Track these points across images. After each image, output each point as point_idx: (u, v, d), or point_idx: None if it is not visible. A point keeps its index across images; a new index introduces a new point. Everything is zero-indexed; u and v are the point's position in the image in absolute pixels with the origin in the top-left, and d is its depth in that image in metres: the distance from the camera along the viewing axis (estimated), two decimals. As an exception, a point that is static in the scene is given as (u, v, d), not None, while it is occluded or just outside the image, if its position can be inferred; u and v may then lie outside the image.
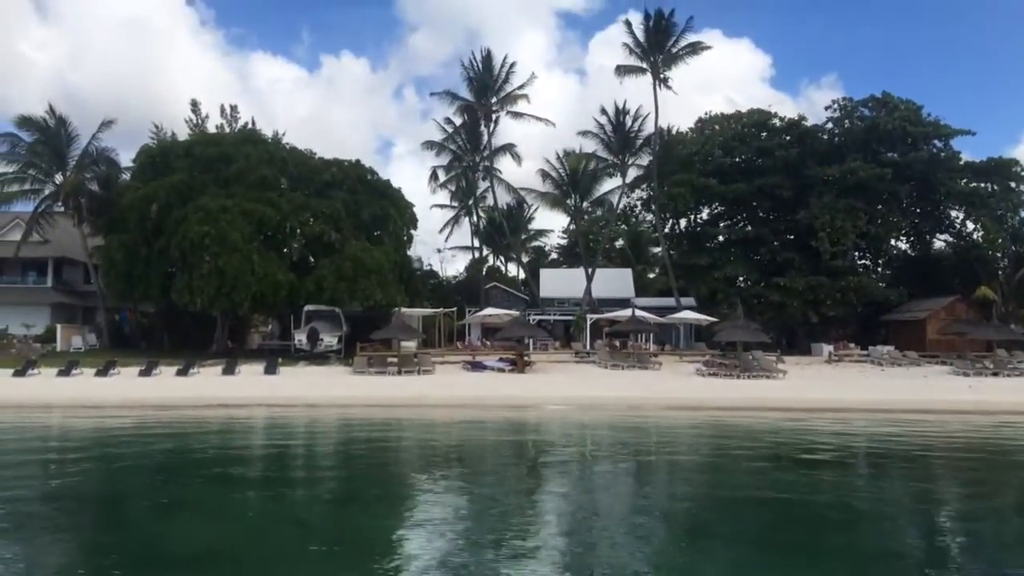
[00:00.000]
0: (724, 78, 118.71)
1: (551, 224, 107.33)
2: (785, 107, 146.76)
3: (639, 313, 44.77)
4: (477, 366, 40.52)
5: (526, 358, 41.01)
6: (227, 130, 57.19)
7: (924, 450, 21.32)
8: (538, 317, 54.14)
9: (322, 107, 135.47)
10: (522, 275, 78.32)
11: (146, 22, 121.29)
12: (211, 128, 57.55)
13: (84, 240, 49.20)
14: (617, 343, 47.75)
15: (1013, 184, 53.87)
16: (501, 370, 39.54)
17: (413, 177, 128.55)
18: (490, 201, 63.84)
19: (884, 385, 36.13)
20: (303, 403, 29.24)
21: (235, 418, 26.65)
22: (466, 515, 13.81)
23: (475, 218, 70.49)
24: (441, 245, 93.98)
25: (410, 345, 42.55)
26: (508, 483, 16.77)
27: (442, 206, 68.18)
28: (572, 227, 79.81)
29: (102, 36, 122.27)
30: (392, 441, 23.20)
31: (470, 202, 68.94)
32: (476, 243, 75.27)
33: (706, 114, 59.63)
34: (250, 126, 58.07)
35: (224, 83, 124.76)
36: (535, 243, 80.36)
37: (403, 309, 43.91)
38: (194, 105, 59.75)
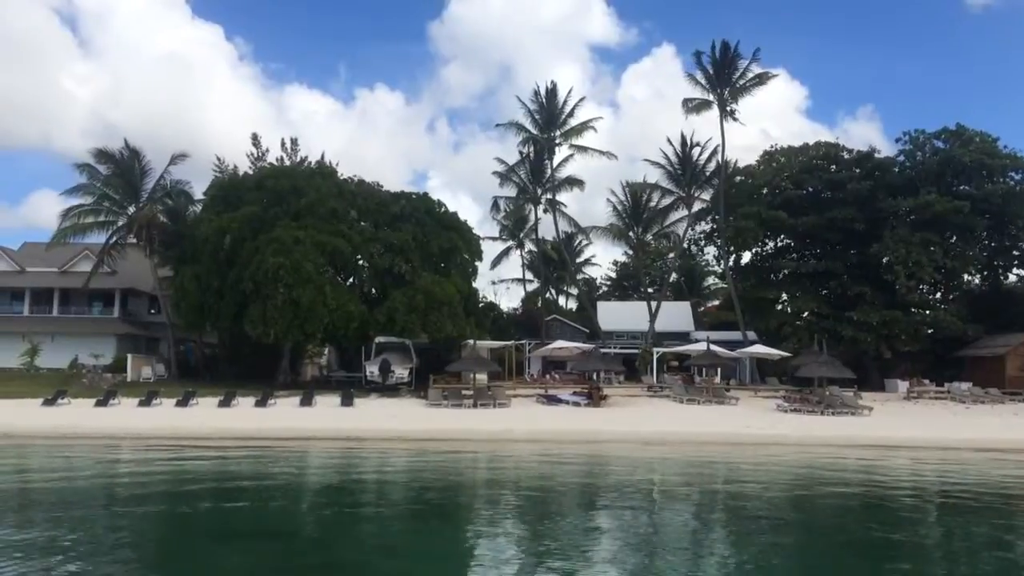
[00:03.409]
0: (760, 109, 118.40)
1: (599, 257, 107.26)
2: (821, 138, 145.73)
3: (714, 348, 43.88)
4: (552, 399, 39.94)
5: (602, 392, 40.32)
6: (287, 162, 57.65)
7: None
8: (601, 351, 53.45)
9: (357, 139, 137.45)
10: (572, 307, 78.14)
11: (185, 57, 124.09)
12: (271, 161, 58.08)
13: (155, 271, 49.60)
14: (693, 378, 46.88)
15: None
16: (577, 404, 38.89)
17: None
18: (547, 233, 63.71)
19: (978, 423, 34.91)
20: (398, 436, 28.85)
21: (352, 450, 26.33)
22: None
23: (526, 250, 70.69)
24: (492, 277, 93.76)
25: (482, 378, 42.09)
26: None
27: (493, 238, 68.17)
28: (626, 259, 79.76)
29: (142, 70, 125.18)
30: (553, 478, 22.50)
31: (521, 235, 68.96)
32: (528, 275, 75.51)
33: (773, 146, 59.06)
34: (309, 158, 58.55)
35: (261, 116, 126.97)
36: (581, 275, 79.90)
37: (474, 342, 43.50)
38: (255, 138, 60.28)
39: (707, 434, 29.86)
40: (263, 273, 41.46)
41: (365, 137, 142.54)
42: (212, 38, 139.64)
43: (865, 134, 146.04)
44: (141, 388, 39.91)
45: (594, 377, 45.38)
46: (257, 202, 45.47)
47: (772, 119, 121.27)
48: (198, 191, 51.95)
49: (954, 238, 52.98)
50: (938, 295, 55.86)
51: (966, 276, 55.70)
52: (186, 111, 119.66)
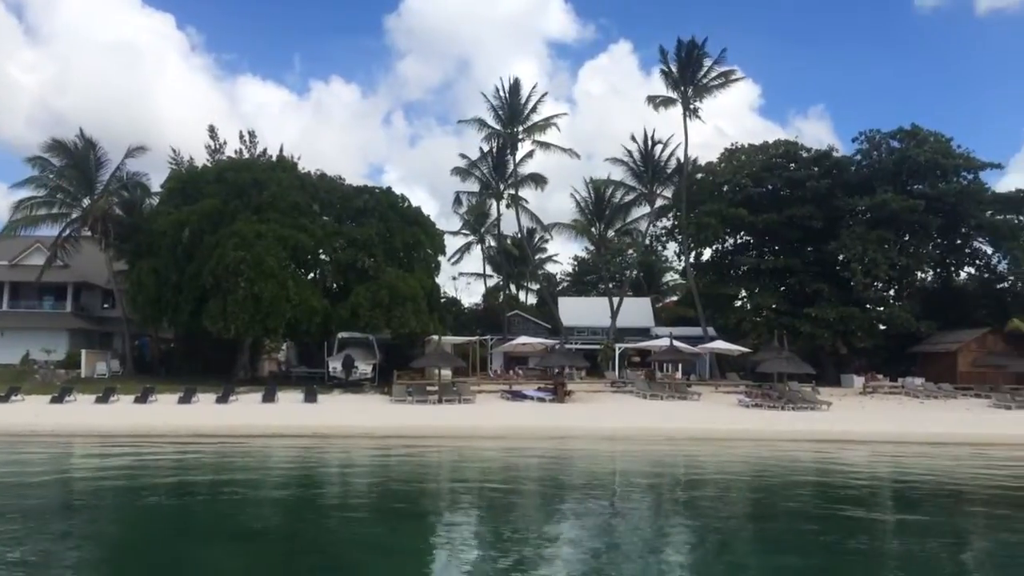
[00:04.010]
0: (715, 107, 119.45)
1: (558, 253, 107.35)
2: (774, 136, 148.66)
3: (677, 343, 44.24)
4: (516, 395, 39.94)
5: (566, 387, 40.42)
6: (246, 155, 56.73)
7: None
8: (566, 346, 53.57)
9: (311, 132, 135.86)
10: (533, 302, 78.14)
11: (135, 46, 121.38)
12: (229, 154, 57.10)
13: (110, 265, 48.49)
14: (656, 373, 47.23)
15: (1040, 216, 53.92)
16: (542, 400, 38.94)
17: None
18: (508, 229, 63.71)
19: (936, 418, 35.62)
20: (364, 433, 28.58)
21: (318, 447, 26.02)
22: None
23: (487, 245, 70.53)
24: (452, 272, 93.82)
25: (446, 374, 41.93)
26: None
27: (453, 233, 67.88)
28: (586, 255, 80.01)
29: (90, 59, 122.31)
30: (523, 475, 22.45)
31: (482, 230, 68.79)
32: (488, 270, 75.33)
33: (733, 144, 59.68)
34: (269, 151, 57.67)
35: (213, 107, 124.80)
36: (541, 271, 79.93)
37: (437, 337, 43.33)
38: (212, 131, 59.23)
39: (674, 429, 30.05)
40: (224, 267, 40.84)
41: (320, 130, 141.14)
42: (162, 27, 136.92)
43: (816, 133, 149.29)
44: (96, 384, 39.07)
45: (558, 373, 45.41)
46: (217, 195, 44.71)
47: (727, 117, 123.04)
48: (151, 183, 50.99)
49: (908, 236, 54.12)
50: (892, 292, 56.98)
51: (919, 273, 56.90)
52: (135, 101, 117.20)
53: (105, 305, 55.98)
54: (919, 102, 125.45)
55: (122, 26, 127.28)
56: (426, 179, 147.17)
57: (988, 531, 15.67)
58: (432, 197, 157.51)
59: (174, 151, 56.62)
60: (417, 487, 19.86)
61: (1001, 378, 46.93)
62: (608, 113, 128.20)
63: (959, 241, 56.63)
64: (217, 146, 58.86)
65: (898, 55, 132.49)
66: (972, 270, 58.96)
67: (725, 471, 23.37)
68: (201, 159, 54.53)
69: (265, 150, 57.91)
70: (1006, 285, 56.46)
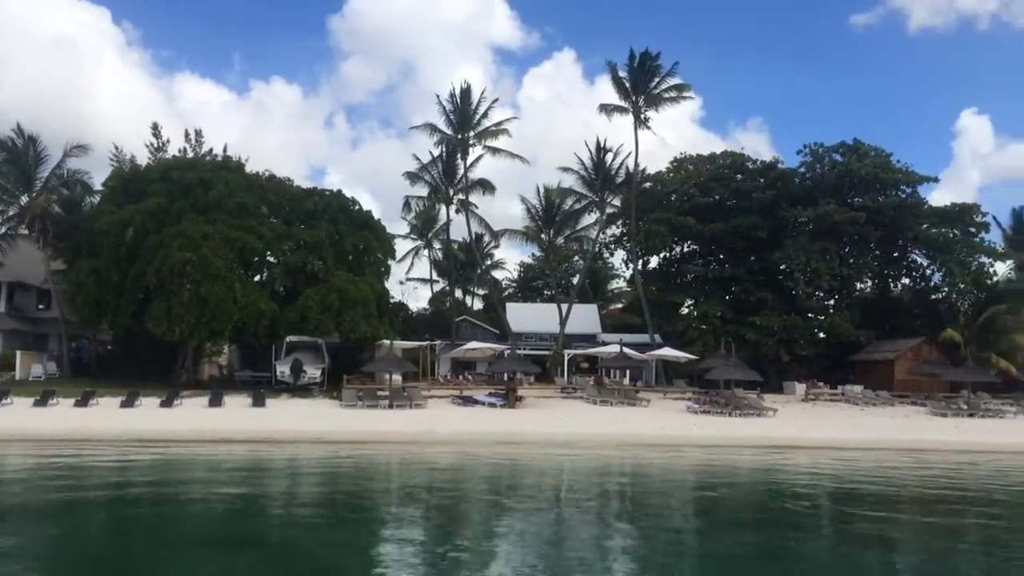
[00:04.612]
0: (657, 118, 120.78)
1: (504, 258, 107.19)
2: (715, 147, 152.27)
3: (627, 350, 44.66)
4: (468, 400, 39.85)
5: (517, 393, 40.45)
6: (190, 154, 55.56)
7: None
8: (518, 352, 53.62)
9: (251, 131, 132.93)
10: (478, 307, 78.00)
11: (69, 40, 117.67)
12: (174, 152, 55.82)
13: (47, 264, 46.98)
14: (604, 379, 47.56)
15: (973, 230, 55.90)
16: (493, 405, 38.90)
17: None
18: (457, 234, 63.66)
19: (877, 425, 36.75)
20: (316, 438, 28.25)
21: (267, 452, 25.54)
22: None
23: (434, 251, 70.33)
24: (399, 276, 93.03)
25: (397, 379, 41.62)
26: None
27: (400, 237, 67.35)
28: (532, 262, 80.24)
29: (23, 52, 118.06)
30: (480, 481, 22.31)
31: (430, 235, 68.55)
32: (434, 275, 74.97)
33: (682, 154, 60.62)
34: (215, 151, 56.57)
35: (149, 104, 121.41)
36: (488, 277, 79.84)
37: (388, 342, 42.97)
38: (155, 128, 57.80)
39: (626, 436, 30.39)
40: (168, 268, 39.88)
41: (260, 130, 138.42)
42: (98, 21, 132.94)
43: (755, 144, 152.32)
44: (33, 387, 37.71)
45: (508, 378, 45.44)
46: (162, 194, 43.60)
47: (669, 127, 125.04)
48: (92, 181, 49.52)
49: (848, 248, 55.65)
50: (832, 301, 58.47)
51: (859, 284, 58.55)
52: (69, 96, 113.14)
53: (40, 306, 54.10)
54: (853, 116, 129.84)
55: (57, 20, 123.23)
56: (368, 182, 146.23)
57: (925, 533, 16.22)
58: (375, 200, 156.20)
59: (116, 148, 55.05)
60: (371, 493, 19.78)
61: (935, 386, 48.43)
62: (551, 120, 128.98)
63: (896, 253, 58.44)
64: (160, 144, 57.56)
65: (833, 70, 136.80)
66: (908, 281, 60.84)
67: (677, 477, 23.68)
68: (142, 157, 53.41)
69: (211, 150, 56.94)
70: (940, 296, 58.35)
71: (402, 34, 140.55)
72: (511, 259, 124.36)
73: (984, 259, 55.92)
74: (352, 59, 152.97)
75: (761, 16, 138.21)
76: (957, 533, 16.26)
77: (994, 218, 57.77)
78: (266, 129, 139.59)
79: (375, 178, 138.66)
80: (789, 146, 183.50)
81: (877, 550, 14.24)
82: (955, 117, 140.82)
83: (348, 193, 51.98)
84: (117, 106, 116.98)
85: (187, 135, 57.52)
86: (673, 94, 53.05)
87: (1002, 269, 57.74)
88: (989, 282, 56.64)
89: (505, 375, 45.48)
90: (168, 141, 56.57)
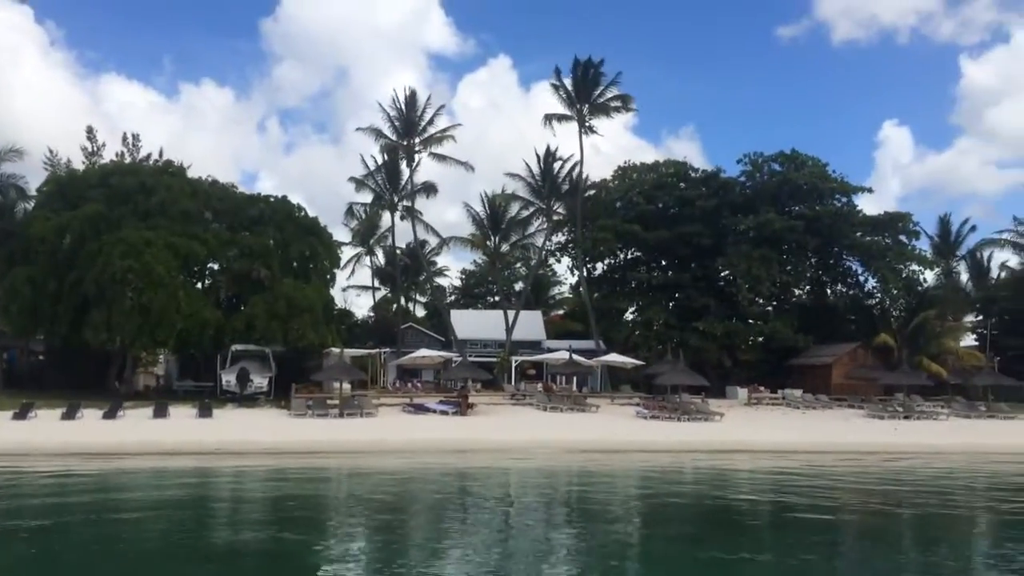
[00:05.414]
0: (596, 125, 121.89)
1: (446, 265, 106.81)
2: (648, 155, 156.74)
3: (576, 357, 45.04)
4: (419, 408, 39.63)
5: (468, 400, 40.43)
6: (128, 159, 54.21)
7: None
8: (457, 358, 53.55)
9: (181, 135, 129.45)
10: (421, 314, 77.59)
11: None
12: (108, 157, 54.34)
13: (-24, 273, 45.13)
14: (552, 386, 47.89)
15: (904, 238, 58.01)
16: (445, 413, 38.78)
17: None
18: (401, 241, 63.47)
19: (819, 428, 37.78)
20: (267, 449, 27.74)
21: (216, 465, 25.03)
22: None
23: (376, 257, 69.83)
24: (342, 284, 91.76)
25: (346, 387, 41.18)
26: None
27: (343, 243, 66.63)
28: (475, 268, 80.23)
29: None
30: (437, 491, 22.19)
31: (372, 241, 68.10)
32: (376, 283, 74.28)
33: (626, 162, 61.51)
34: (153, 156, 55.26)
35: (73, 106, 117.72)
36: (430, 284, 79.55)
37: (339, 350, 42.54)
38: (90, 132, 56.19)
39: (580, 442, 30.65)
40: (109, 276, 38.75)
41: (190, 134, 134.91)
42: (19, 20, 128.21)
43: (687, 152, 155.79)
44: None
45: (460, 386, 45.45)
46: (100, 200, 42.45)
47: (603, 134, 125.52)
48: (28, 186, 47.86)
49: (787, 255, 57.12)
50: (772, 307, 59.91)
51: (797, 290, 60.11)
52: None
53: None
54: (781, 126, 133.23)
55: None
56: (302, 187, 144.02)
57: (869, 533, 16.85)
58: (309, 206, 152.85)
59: (51, 152, 53.45)
60: (326, 505, 19.64)
61: (871, 389, 50.06)
62: (487, 127, 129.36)
63: (832, 260, 60.28)
64: (95, 148, 56.05)
65: (761, 81, 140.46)
66: (843, 287, 62.70)
67: (635, 483, 24.01)
68: (76, 161, 51.90)
69: (149, 154, 55.63)
70: (874, 302, 60.32)
71: (336, 39, 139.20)
72: (452, 266, 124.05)
73: (915, 266, 58.12)
74: (285, 63, 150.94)
75: (691, 26, 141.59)
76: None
77: (920, 226, 60.22)
78: (196, 133, 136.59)
79: (309, 184, 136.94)
80: (719, 154, 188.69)
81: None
82: (877, 128, 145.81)
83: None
84: (39, 108, 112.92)
85: (124, 139, 56.20)
86: (618, 103, 53.78)
87: (931, 276, 60.31)
88: (919, 288, 58.90)
89: (457, 383, 45.49)
90: (104, 145, 55.22)
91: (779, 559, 14.12)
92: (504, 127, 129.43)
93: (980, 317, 61.53)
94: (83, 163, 52.42)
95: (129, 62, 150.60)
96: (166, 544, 14.71)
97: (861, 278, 60.88)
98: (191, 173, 48.74)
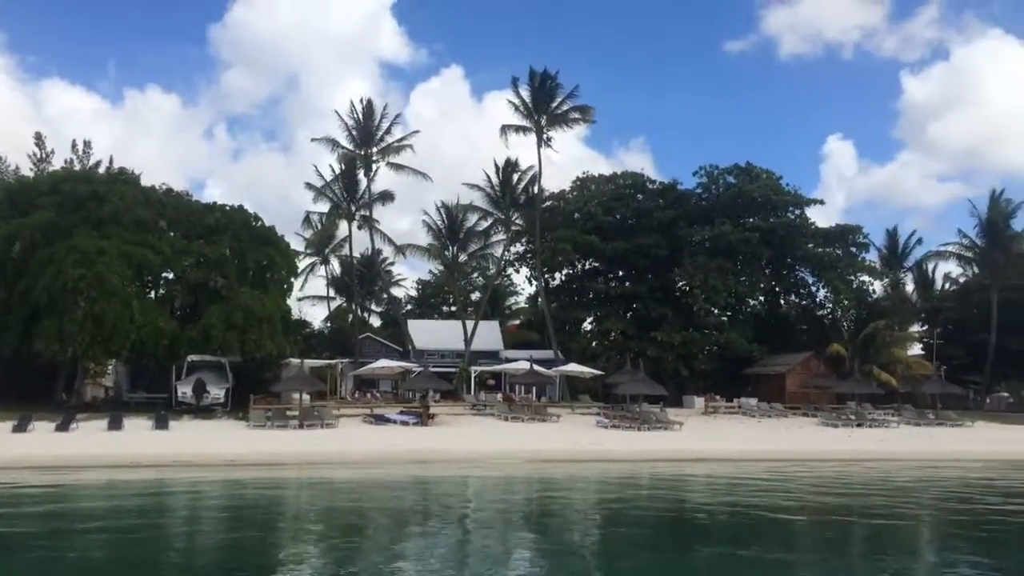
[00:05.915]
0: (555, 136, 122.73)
1: (403, 275, 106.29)
2: (600, 166, 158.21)
3: (536, 367, 45.19)
4: (380, 419, 39.38)
5: (430, 411, 40.29)
6: (78, 166, 53.18)
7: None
8: (417, 369, 53.31)
9: (125, 141, 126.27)
10: (377, 324, 77.03)
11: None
12: (57, 164, 53.25)
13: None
14: (512, 396, 47.96)
15: (854, 250, 59.46)
16: (406, 423, 38.58)
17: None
18: (357, 250, 63.14)
19: (776, 436, 38.42)
20: (228, 461, 27.27)
21: (175, 477, 24.52)
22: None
23: (331, 267, 69.31)
24: (297, 294, 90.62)
25: (306, 398, 40.74)
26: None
27: (298, 253, 65.90)
28: (431, 278, 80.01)
29: None
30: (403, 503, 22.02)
31: (327, 251, 67.58)
32: (331, 292, 73.64)
33: (584, 173, 62.02)
34: (105, 163, 54.27)
35: (12, 111, 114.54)
36: (386, 294, 79.08)
37: (299, 360, 42.08)
38: (38, 138, 55.21)
39: (543, 451, 30.74)
40: (61, 285, 37.86)
41: (135, 140, 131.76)
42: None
43: (638, 164, 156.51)
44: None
45: (421, 396, 45.25)
46: (51, 208, 41.48)
47: (556, 144, 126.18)
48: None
49: (742, 266, 58.10)
50: (727, 317, 60.78)
51: (751, 300, 61.08)
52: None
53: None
54: (730, 138, 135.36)
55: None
56: (250, 196, 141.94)
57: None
58: (259, 214, 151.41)
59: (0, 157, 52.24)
60: (286, 517, 19.47)
61: (824, 398, 51.07)
62: (439, 136, 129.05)
63: (785, 271, 61.42)
64: (44, 155, 54.93)
65: (710, 94, 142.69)
66: (796, 298, 63.96)
67: (598, 491, 24.17)
68: (24, 167, 50.80)
69: (99, 162, 54.65)
70: (826, 312, 61.59)
71: (286, 46, 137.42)
72: (412, 276, 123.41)
73: (865, 277, 59.55)
74: (233, 69, 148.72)
75: (641, 39, 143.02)
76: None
77: (870, 238, 61.78)
78: (141, 139, 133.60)
79: (257, 192, 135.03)
80: (670, 166, 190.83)
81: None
82: (823, 141, 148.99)
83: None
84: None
85: (74, 146, 55.23)
86: (577, 115, 54.23)
87: (879, 287, 61.85)
88: (869, 299, 60.34)
89: (417, 393, 45.29)
90: (53, 152, 54.12)
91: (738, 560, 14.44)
92: (457, 137, 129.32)
93: (926, 327, 63.30)
94: (31, 170, 51.51)
95: (72, 67, 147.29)
96: (120, 557, 14.46)
97: (813, 288, 62.28)
98: (140, 181, 48.01)
